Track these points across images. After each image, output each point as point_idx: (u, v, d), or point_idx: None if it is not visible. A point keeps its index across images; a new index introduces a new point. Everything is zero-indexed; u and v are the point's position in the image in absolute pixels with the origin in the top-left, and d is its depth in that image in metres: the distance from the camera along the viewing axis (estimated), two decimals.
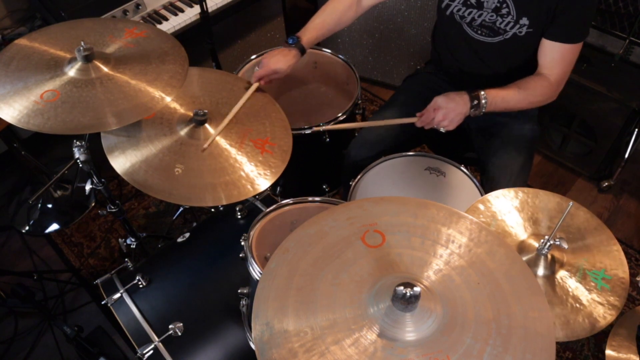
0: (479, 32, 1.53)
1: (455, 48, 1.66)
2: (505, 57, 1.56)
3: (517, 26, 1.45)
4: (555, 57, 1.45)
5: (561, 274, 1.10)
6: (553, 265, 1.10)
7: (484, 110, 1.43)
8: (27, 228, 2.33)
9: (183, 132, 1.36)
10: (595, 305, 1.06)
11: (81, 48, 1.23)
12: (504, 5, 1.43)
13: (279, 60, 1.55)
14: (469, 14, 1.51)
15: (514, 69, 1.60)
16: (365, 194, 1.55)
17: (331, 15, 1.63)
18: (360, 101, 1.81)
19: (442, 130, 1.45)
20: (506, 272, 0.91)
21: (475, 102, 1.42)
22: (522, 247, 1.14)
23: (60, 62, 1.27)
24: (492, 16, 1.47)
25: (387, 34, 2.60)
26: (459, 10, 1.52)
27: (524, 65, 1.60)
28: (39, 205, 2.37)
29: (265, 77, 1.56)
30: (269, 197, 1.60)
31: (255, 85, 1.54)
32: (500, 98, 1.44)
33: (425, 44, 2.56)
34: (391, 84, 2.85)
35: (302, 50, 1.59)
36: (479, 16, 1.49)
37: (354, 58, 2.76)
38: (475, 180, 1.55)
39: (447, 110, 1.41)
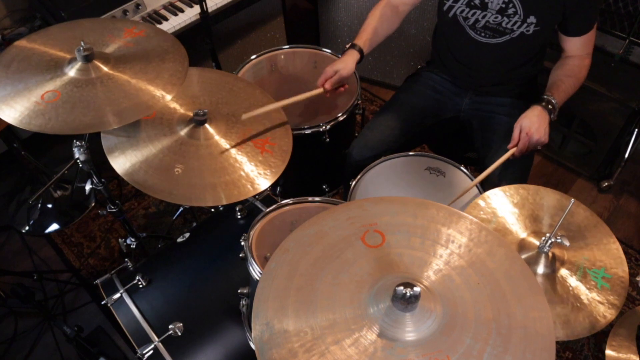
0: (483, 34, 1.53)
1: (457, 50, 1.66)
2: (510, 56, 1.57)
3: (525, 25, 1.46)
4: (581, 44, 1.53)
5: (562, 273, 1.10)
6: (554, 264, 1.10)
7: (557, 110, 1.47)
8: (27, 228, 2.33)
9: (183, 132, 1.36)
10: (596, 304, 1.06)
11: (81, 48, 1.23)
12: (510, 5, 1.44)
13: (336, 63, 1.60)
14: (472, 15, 1.51)
15: (518, 66, 1.61)
16: (365, 193, 1.55)
17: (377, 20, 1.68)
18: (360, 101, 1.81)
19: (539, 147, 1.46)
20: (506, 272, 0.91)
21: (550, 106, 1.45)
22: (522, 245, 1.14)
23: (60, 63, 1.27)
24: (496, 17, 1.47)
25: None
26: (462, 11, 1.52)
27: (527, 62, 1.60)
28: (39, 205, 2.37)
29: (330, 81, 1.57)
30: (268, 197, 1.60)
31: (319, 90, 1.58)
32: (563, 93, 1.48)
33: (425, 44, 2.56)
34: (391, 84, 2.85)
35: (360, 51, 1.63)
36: (483, 17, 1.49)
37: None
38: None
39: (537, 127, 1.42)
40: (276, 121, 1.47)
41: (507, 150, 1.50)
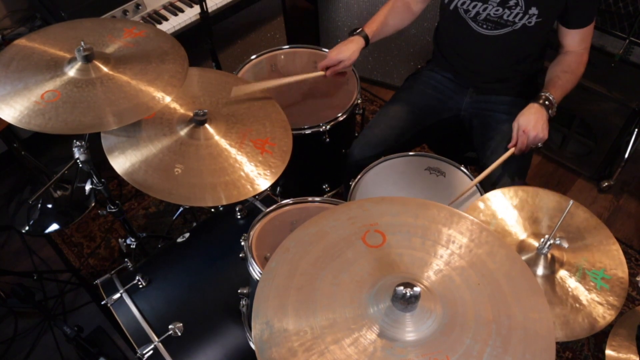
0: (484, 26, 1.53)
1: (459, 45, 1.66)
2: (512, 49, 1.57)
3: (527, 17, 1.46)
4: (579, 38, 1.54)
5: (561, 274, 1.10)
6: (553, 265, 1.10)
7: (555, 107, 1.47)
8: (27, 228, 2.33)
9: (183, 132, 1.36)
10: (595, 305, 1.06)
11: (81, 48, 1.23)
12: None
13: (342, 50, 1.65)
14: (473, 7, 1.51)
15: (519, 60, 1.61)
16: (365, 193, 1.55)
17: (388, 12, 1.72)
18: (360, 101, 1.81)
19: (540, 145, 1.46)
20: (506, 273, 0.91)
21: (547, 102, 1.46)
22: (522, 247, 1.14)
23: (60, 62, 1.27)
24: (497, 10, 1.48)
25: None
26: (463, 3, 1.53)
27: (529, 55, 1.60)
28: (39, 205, 2.37)
29: (332, 68, 1.67)
30: (269, 197, 1.60)
31: (320, 73, 1.65)
32: (560, 89, 1.49)
33: (425, 44, 2.56)
34: (391, 84, 2.85)
35: (366, 38, 1.68)
36: (484, 10, 1.50)
37: None
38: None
39: (534, 124, 1.43)
40: (276, 121, 1.47)
41: (507, 149, 1.51)
